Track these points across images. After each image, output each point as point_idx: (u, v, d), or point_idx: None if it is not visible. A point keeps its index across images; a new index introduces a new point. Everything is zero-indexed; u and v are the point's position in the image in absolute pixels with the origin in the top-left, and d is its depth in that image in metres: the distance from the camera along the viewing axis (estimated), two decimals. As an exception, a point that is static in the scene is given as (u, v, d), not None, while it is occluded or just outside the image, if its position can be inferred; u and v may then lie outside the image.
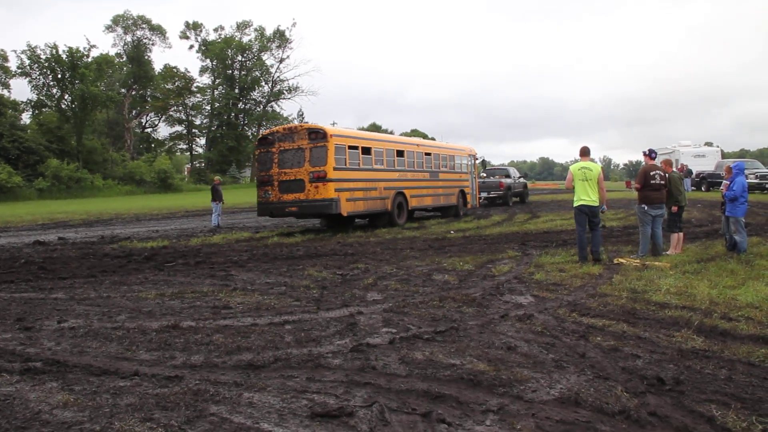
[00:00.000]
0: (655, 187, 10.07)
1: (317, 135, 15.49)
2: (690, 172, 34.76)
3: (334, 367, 4.49)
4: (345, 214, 15.87)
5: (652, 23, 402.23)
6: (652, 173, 10.09)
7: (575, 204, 9.84)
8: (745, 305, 6.30)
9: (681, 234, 10.55)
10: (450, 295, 7.09)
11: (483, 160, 28.51)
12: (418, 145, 20.54)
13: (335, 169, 15.37)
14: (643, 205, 10.09)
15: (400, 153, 18.55)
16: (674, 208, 10.34)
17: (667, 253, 10.19)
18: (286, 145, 15.96)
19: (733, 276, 7.97)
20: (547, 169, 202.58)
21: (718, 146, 41.70)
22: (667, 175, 10.32)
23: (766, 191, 30.69)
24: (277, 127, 18.46)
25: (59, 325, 6.00)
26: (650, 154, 10.40)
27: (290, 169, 15.79)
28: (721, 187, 10.81)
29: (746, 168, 15.70)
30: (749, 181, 25.16)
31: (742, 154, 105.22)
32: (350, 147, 16.20)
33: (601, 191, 9.78)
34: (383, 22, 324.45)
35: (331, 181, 15.23)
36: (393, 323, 5.82)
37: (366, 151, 16.89)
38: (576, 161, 10.24)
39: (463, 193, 22.48)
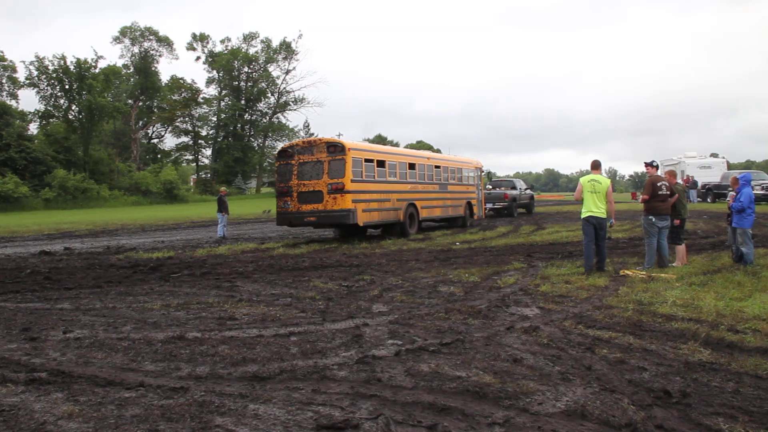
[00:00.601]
0: (662, 198, 10.05)
1: (336, 148, 15.96)
2: (696, 183, 34.69)
3: (339, 379, 4.48)
4: (361, 224, 16.33)
5: (658, 34, 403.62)
6: (659, 184, 10.08)
7: (583, 215, 9.87)
8: (752, 317, 6.26)
9: (684, 246, 10.53)
10: (456, 307, 7.07)
11: (488, 172, 28.77)
12: (428, 158, 21.06)
13: (353, 181, 15.84)
14: (650, 217, 10.06)
15: (411, 166, 19.05)
16: (677, 222, 10.34)
17: (674, 264, 10.16)
18: (305, 157, 16.41)
19: (739, 288, 7.93)
20: (552, 181, 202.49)
21: (723, 157, 41.55)
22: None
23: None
24: (296, 141, 18.93)
25: (64, 336, 6.01)
26: (654, 165, 10.39)
27: (309, 180, 16.23)
28: (728, 198, 10.78)
29: (753, 179, 15.65)
30: (756, 192, 25.13)
31: (748, 165, 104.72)
32: (366, 160, 16.70)
33: (609, 204, 9.85)
34: (389, 34, 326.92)
35: (348, 192, 15.68)
36: (399, 335, 5.81)
37: (381, 164, 17.38)
38: (585, 173, 10.28)
39: (470, 205, 22.93)
